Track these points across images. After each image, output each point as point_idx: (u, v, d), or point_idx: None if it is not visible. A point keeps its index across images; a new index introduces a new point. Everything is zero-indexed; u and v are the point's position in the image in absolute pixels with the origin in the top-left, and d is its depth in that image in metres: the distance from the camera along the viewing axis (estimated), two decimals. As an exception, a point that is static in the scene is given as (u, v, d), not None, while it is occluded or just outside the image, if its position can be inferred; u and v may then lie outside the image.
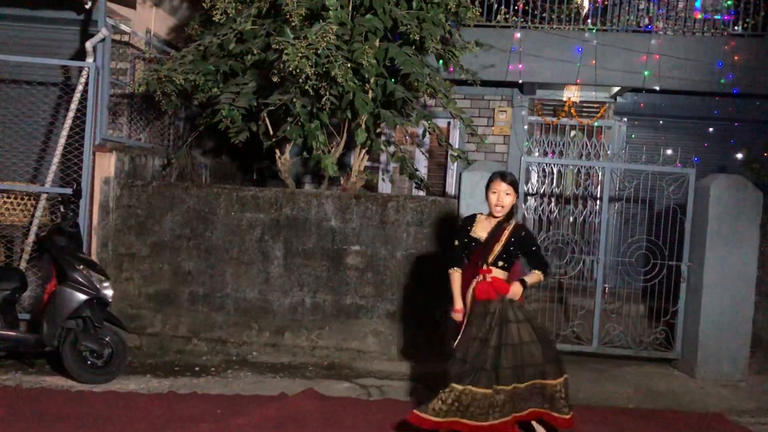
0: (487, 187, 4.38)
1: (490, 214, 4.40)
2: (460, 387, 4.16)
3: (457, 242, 4.50)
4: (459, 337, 4.39)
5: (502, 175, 4.37)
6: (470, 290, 4.40)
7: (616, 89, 9.27)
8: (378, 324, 6.45)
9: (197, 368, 5.95)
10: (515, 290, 4.31)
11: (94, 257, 6.31)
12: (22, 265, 6.29)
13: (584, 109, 9.69)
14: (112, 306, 5.70)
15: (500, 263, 4.35)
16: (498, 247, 4.31)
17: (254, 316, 6.48)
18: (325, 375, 5.93)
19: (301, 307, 6.46)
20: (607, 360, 6.80)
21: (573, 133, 9.72)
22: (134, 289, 6.51)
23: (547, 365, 4.29)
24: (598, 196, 8.68)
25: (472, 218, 4.50)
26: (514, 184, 4.35)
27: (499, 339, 4.22)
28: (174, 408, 4.86)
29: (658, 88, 8.75)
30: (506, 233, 4.34)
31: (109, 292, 5.49)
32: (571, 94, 9.52)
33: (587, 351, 6.80)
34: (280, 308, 6.47)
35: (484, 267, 4.33)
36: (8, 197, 6.45)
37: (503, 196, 4.30)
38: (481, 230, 4.39)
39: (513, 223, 4.40)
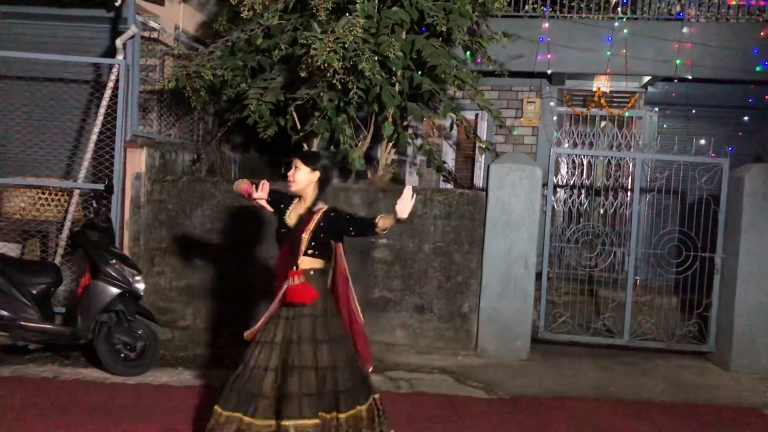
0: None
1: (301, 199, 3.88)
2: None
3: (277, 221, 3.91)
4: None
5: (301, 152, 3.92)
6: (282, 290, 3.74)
7: (647, 78, 9.12)
8: (406, 317, 6.45)
9: (228, 361, 6.02)
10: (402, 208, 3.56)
11: (126, 251, 6.40)
12: (57, 259, 6.41)
13: (614, 99, 9.55)
14: (144, 299, 5.78)
15: (310, 251, 3.75)
16: (306, 236, 3.72)
17: (283, 309, 6.52)
18: (354, 368, 5.94)
19: (329, 301, 6.48)
20: (639, 353, 6.72)
21: (603, 123, 9.59)
22: (165, 282, 6.60)
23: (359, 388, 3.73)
24: (629, 187, 8.57)
25: (290, 198, 3.91)
26: (308, 160, 3.82)
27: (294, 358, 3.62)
28: (206, 400, 4.91)
29: (690, 77, 8.58)
30: (315, 218, 3.75)
31: (141, 286, 5.57)
32: (601, 84, 9.38)
33: (618, 344, 6.73)
34: (309, 301, 6.49)
35: (294, 269, 3.71)
36: (42, 193, 6.58)
37: (293, 170, 3.80)
38: (293, 214, 3.85)
39: (323, 207, 3.81)
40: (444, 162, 7.73)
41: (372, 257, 6.45)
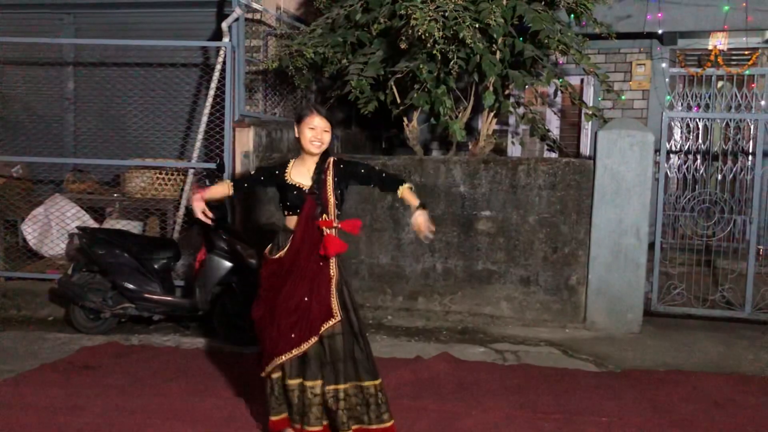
0: (301, 122, 3.72)
1: (302, 157, 3.80)
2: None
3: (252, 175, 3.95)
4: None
5: (318, 109, 3.74)
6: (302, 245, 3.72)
7: (771, 33, 8.47)
8: (511, 289, 6.38)
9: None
10: (419, 220, 3.66)
11: (238, 227, 6.67)
12: (175, 236, 6.78)
13: (733, 57, 8.92)
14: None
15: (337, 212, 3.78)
16: (330, 195, 3.71)
17: (387, 281, 6.62)
18: (459, 339, 5.97)
19: (432, 273, 6.51)
20: (762, 327, 6.33)
21: (720, 84, 8.99)
22: (275, 256, 6.82)
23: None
24: (751, 150, 8.03)
25: (284, 164, 3.84)
26: (329, 119, 3.75)
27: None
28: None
29: (822, 28, 7.89)
30: (330, 173, 3.73)
31: (253, 261, 5.79)
32: (718, 42, 8.78)
33: (739, 317, 6.37)
34: (413, 274, 6.56)
35: (324, 219, 3.69)
36: (160, 173, 6.97)
37: (321, 132, 3.69)
38: (298, 176, 3.75)
39: (330, 159, 3.77)
40: (548, 130, 7.52)
41: (474, 229, 6.40)
